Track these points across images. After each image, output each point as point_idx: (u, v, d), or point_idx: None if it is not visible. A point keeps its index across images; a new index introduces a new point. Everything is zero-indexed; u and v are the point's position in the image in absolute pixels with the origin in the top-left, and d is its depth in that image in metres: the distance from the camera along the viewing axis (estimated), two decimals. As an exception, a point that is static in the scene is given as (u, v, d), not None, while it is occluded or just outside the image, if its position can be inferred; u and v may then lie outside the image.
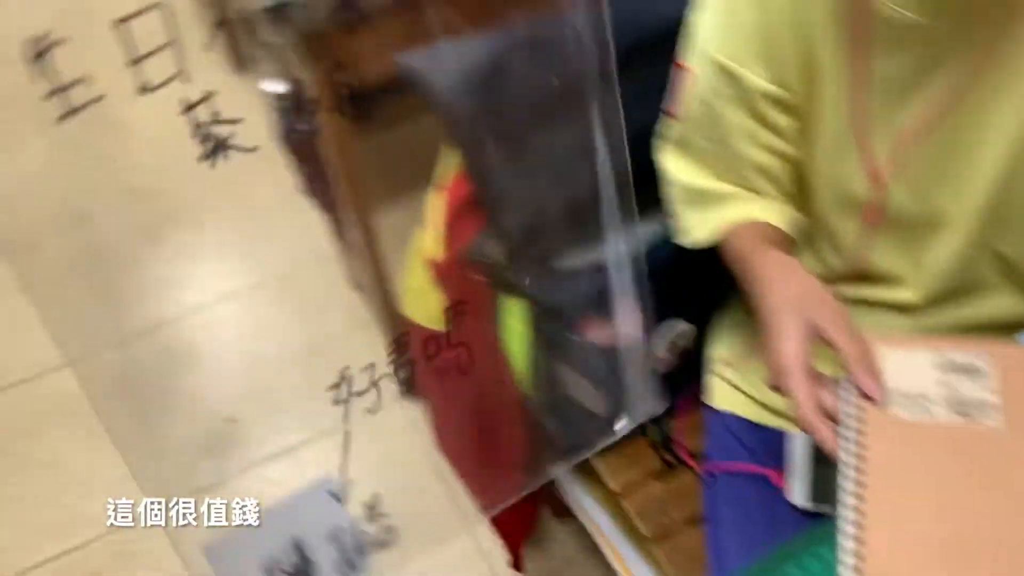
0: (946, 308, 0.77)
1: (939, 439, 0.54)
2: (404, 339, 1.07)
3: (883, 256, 0.77)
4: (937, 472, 0.53)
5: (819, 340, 0.62)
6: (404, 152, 1.96)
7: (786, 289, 0.67)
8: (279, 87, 1.23)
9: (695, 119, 0.78)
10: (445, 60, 0.84)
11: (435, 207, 0.93)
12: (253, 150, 0.74)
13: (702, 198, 0.80)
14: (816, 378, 0.60)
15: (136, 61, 0.62)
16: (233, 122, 0.71)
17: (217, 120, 0.66)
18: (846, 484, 0.54)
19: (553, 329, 0.90)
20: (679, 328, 0.91)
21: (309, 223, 1.73)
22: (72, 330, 1.71)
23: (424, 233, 0.96)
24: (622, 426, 0.96)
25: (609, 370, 0.91)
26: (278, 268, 1.72)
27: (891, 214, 0.74)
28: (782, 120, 0.75)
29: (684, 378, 0.95)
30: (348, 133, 1.16)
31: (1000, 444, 0.53)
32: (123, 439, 1.48)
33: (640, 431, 0.96)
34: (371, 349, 1.63)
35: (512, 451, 1.04)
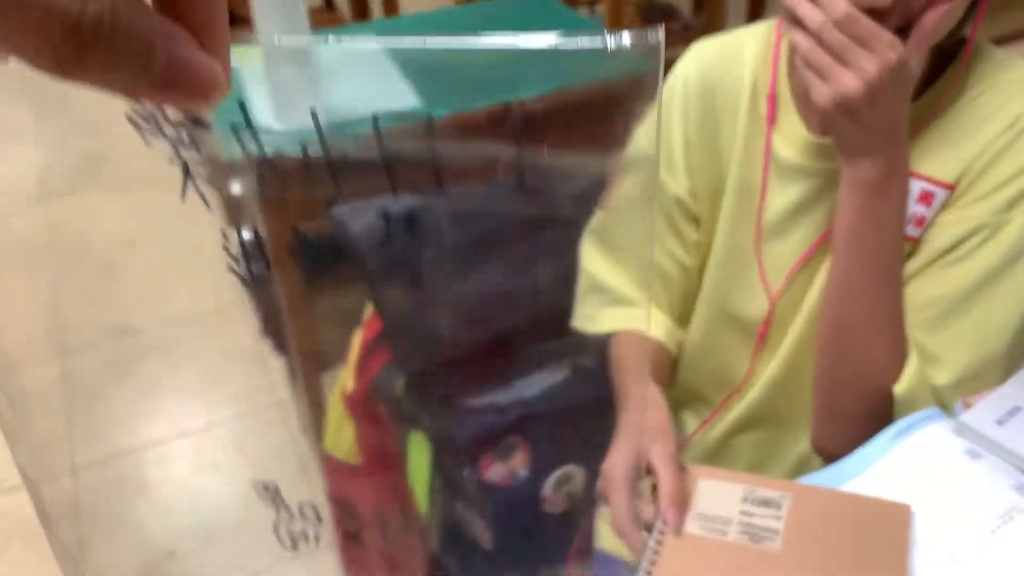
0: (760, 431, 0.83)
1: (723, 554, 0.60)
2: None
3: (745, 365, 0.85)
4: None
5: (647, 465, 0.68)
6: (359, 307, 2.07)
7: (637, 416, 0.75)
8: (245, 235, 1.36)
9: (617, 212, 0.88)
10: (365, 211, 0.95)
11: (354, 344, 1.01)
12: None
13: (602, 293, 0.89)
14: (637, 494, 0.67)
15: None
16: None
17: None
18: None
19: (451, 465, 0.95)
20: (568, 470, 0.95)
21: (274, 368, 1.82)
22: (34, 454, 1.77)
23: (344, 368, 1.04)
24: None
25: (502, 509, 0.95)
26: (236, 408, 1.79)
27: (772, 330, 0.82)
28: (688, 229, 0.85)
29: (580, 523, 0.99)
30: (298, 280, 1.26)
31: (772, 562, 0.59)
32: (69, 563, 1.50)
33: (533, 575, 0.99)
34: (312, 491, 1.66)
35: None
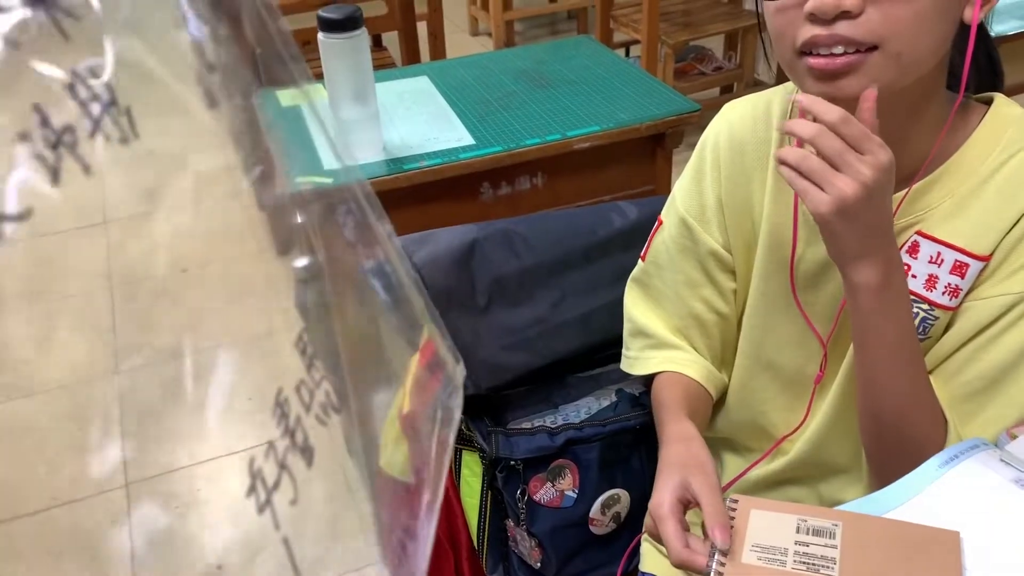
0: (800, 487, 0.86)
1: (783, 585, 0.62)
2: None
3: (781, 413, 0.87)
4: None
5: (690, 497, 0.71)
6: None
7: (676, 451, 0.77)
8: (302, 262, 1.42)
9: (656, 262, 0.92)
10: (426, 241, 1.00)
11: (411, 366, 1.06)
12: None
13: (645, 338, 0.92)
14: (686, 527, 0.70)
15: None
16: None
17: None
18: None
19: (502, 486, 0.99)
20: (613, 493, 0.99)
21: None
22: (85, 470, 1.83)
23: (401, 392, 1.08)
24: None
25: (551, 529, 0.99)
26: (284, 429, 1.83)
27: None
28: (724, 279, 0.88)
29: (625, 544, 1.02)
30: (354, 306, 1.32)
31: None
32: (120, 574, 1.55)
33: (579, 593, 1.02)
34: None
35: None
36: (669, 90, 1.43)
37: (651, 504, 0.72)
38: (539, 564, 1.00)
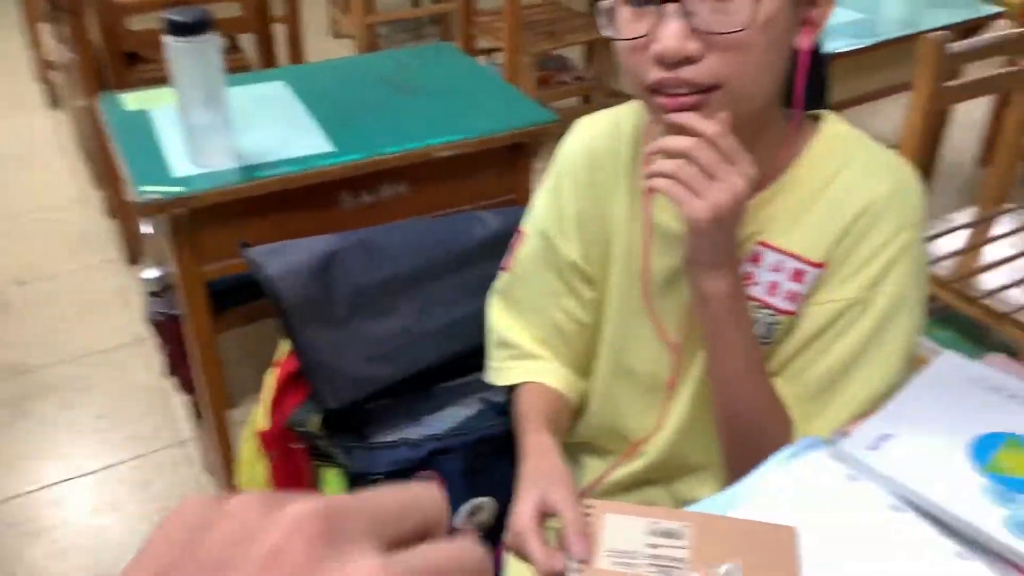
0: (656, 488, 0.89)
1: (635, 589, 0.64)
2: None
3: (638, 418, 0.90)
4: None
5: (549, 509, 0.73)
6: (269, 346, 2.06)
7: (534, 464, 0.79)
8: (151, 274, 1.35)
9: (518, 274, 0.93)
10: (282, 253, 0.98)
11: (268, 383, 1.03)
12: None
13: (508, 348, 0.93)
14: (544, 538, 0.71)
15: None
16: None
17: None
18: None
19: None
20: (478, 501, 0.99)
21: (176, 407, 1.78)
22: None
23: (257, 408, 1.05)
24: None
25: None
26: (137, 448, 1.74)
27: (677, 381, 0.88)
28: (583, 289, 0.90)
29: (490, 553, 1.02)
30: (207, 319, 1.26)
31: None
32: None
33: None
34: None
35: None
36: (528, 100, 1.45)
37: (511, 519, 0.73)
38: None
